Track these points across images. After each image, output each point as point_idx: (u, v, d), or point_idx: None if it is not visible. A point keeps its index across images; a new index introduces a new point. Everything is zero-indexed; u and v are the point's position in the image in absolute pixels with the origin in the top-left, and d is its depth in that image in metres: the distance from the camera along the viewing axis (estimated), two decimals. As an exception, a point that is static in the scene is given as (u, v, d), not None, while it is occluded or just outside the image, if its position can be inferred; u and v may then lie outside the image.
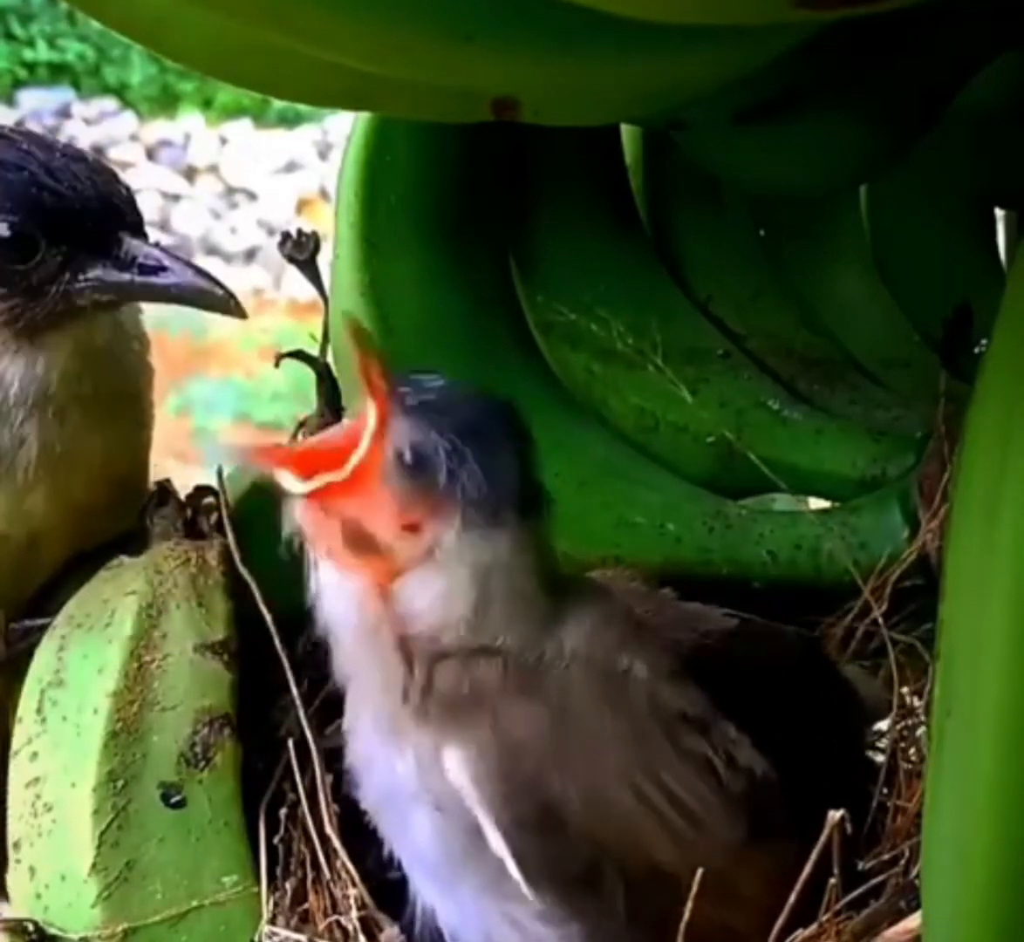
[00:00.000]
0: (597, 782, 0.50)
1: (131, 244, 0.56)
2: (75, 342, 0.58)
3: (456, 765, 0.50)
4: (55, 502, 0.59)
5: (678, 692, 0.51)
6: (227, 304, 0.56)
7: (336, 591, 0.52)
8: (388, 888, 0.55)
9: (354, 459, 0.50)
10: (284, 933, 0.54)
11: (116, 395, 0.61)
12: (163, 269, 0.56)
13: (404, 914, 0.54)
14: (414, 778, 0.51)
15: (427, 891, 0.53)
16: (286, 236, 0.67)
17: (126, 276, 0.56)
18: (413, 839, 0.52)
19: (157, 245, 0.57)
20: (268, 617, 0.58)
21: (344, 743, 0.54)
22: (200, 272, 0.56)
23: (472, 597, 0.50)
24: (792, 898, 0.48)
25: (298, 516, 0.51)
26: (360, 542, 0.50)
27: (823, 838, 0.47)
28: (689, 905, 0.48)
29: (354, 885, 0.54)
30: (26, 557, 0.61)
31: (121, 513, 0.62)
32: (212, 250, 4.06)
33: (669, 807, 0.50)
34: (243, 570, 0.59)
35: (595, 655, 0.51)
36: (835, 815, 0.47)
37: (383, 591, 0.50)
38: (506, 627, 0.51)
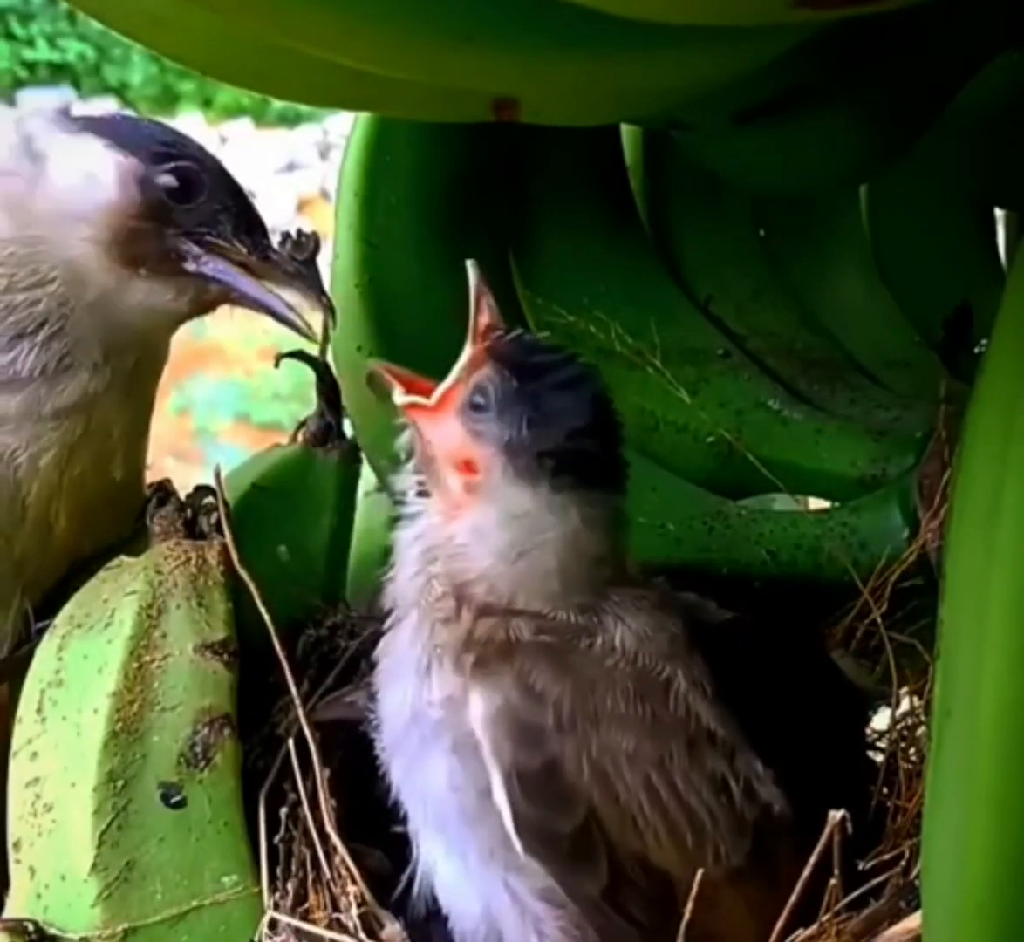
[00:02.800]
0: (610, 762, 0.50)
1: (267, 240, 0.60)
2: (151, 302, 0.60)
3: (478, 708, 0.51)
4: (61, 459, 0.60)
5: (714, 714, 0.52)
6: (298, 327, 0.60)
7: (413, 515, 0.54)
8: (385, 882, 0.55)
9: (442, 387, 0.54)
10: (285, 932, 0.54)
11: (144, 386, 0.63)
12: (284, 263, 0.60)
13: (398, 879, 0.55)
14: (438, 712, 0.52)
15: (431, 847, 0.53)
16: (286, 236, 0.67)
17: (251, 256, 0.59)
18: (426, 786, 0.52)
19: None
20: (267, 617, 0.58)
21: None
22: (310, 280, 0.60)
23: (504, 545, 0.52)
24: (793, 898, 0.48)
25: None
26: (430, 468, 0.54)
27: (823, 838, 0.47)
28: (689, 908, 0.48)
29: (354, 883, 0.54)
30: (42, 533, 0.61)
31: (119, 518, 0.63)
32: (212, 250, 4.06)
33: (676, 811, 0.50)
34: (241, 570, 0.58)
35: (641, 657, 0.52)
36: (836, 815, 0.47)
37: (449, 525, 0.53)
38: (544, 592, 0.52)
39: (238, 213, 0.60)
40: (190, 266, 0.59)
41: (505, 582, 0.52)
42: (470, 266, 0.54)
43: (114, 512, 0.62)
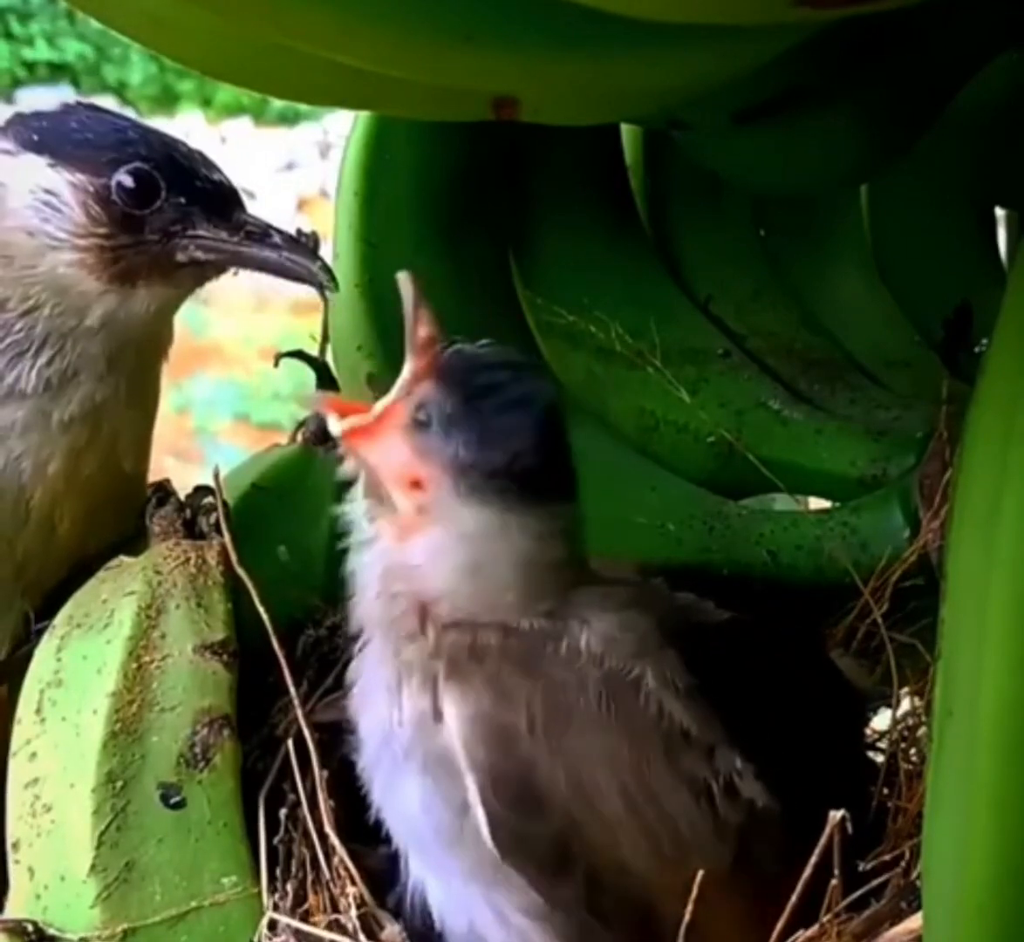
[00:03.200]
0: (585, 773, 0.50)
1: (243, 214, 0.59)
2: (158, 305, 0.59)
3: (452, 715, 0.50)
4: (69, 467, 0.60)
5: (689, 711, 0.51)
6: (319, 280, 0.59)
7: (368, 540, 0.53)
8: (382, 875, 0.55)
9: (379, 406, 0.52)
10: (284, 933, 0.54)
11: (148, 382, 0.62)
12: (268, 237, 0.58)
13: (393, 891, 0.54)
14: (409, 734, 0.51)
15: (417, 866, 0.53)
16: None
17: (234, 238, 0.58)
18: (403, 808, 0.52)
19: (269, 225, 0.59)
20: (266, 617, 0.58)
21: (345, 698, 0.55)
22: (299, 248, 0.59)
23: (460, 563, 0.51)
24: (794, 898, 0.48)
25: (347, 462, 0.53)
26: (377, 492, 0.52)
27: (823, 838, 0.47)
28: (689, 908, 0.48)
29: (353, 884, 0.54)
30: (45, 535, 0.61)
31: (123, 517, 0.62)
32: (212, 249, 4.06)
33: (653, 818, 0.50)
34: (240, 570, 0.58)
35: (608, 659, 0.51)
36: (836, 815, 0.47)
37: (402, 547, 0.52)
38: (506, 605, 0.51)
39: (205, 197, 0.58)
40: (181, 257, 0.58)
41: (466, 599, 0.51)
42: (402, 279, 0.52)
43: (118, 511, 0.62)
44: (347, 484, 0.54)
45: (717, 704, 0.52)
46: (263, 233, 0.59)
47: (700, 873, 0.48)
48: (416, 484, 0.51)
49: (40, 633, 0.59)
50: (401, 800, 0.52)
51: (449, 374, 0.51)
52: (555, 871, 0.50)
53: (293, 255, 0.58)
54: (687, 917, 0.48)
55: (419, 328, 0.52)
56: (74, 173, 0.57)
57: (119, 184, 0.57)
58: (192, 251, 0.58)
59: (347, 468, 0.53)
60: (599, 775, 0.50)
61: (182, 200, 0.58)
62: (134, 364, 0.60)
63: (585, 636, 0.51)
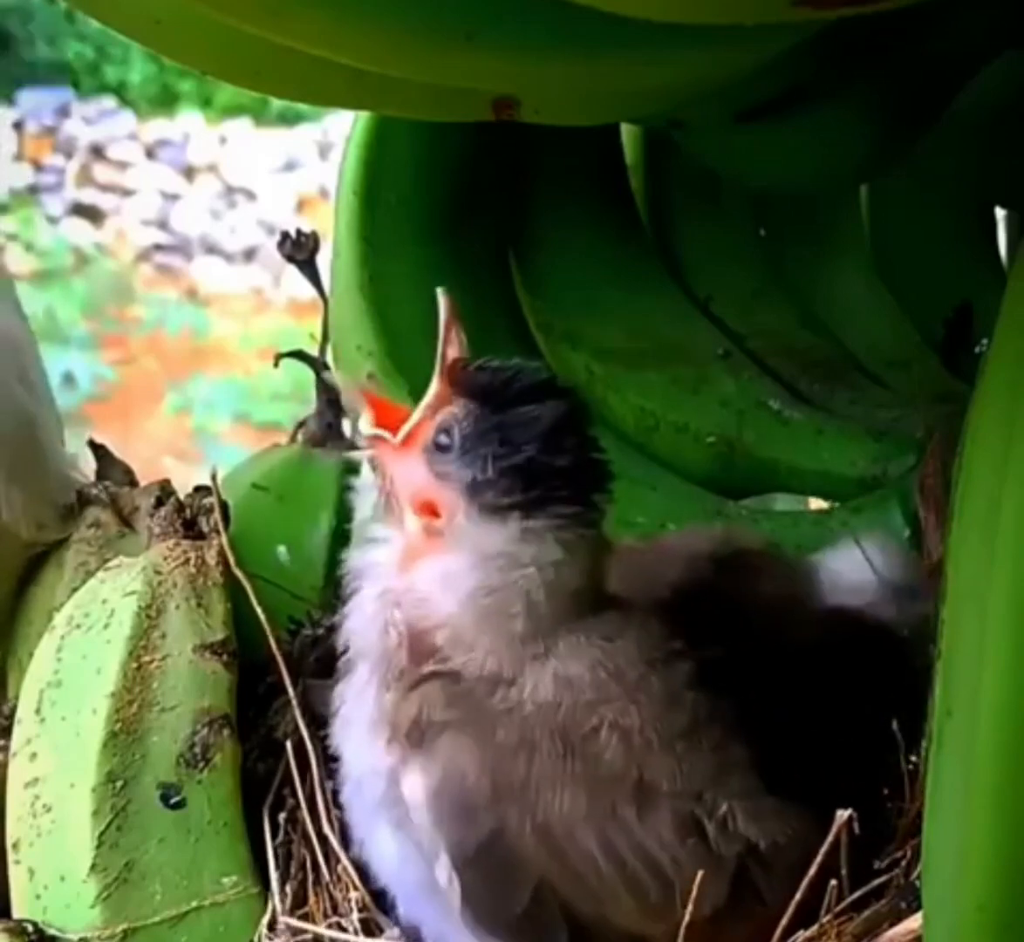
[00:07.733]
0: (557, 824, 0.48)
1: None
2: None
3: (415, 787, 0.49)
4: None
5: (663, 760, 0.49)
6: None
7: (377, 541, 0.52)
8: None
9: (406, 426, 0.51)
10: (284, 935, 0.54)
11: None
12: None
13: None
14: (382, 787, 0.50)
15: (402, 905, 0.52)
16: (285, 236, 0.67)
17: None
18: (381, 854, 0.52)
19: None
20: (264, 617, 0.58)
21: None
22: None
23: (471, 590, 0.49)
24: (797, 897, 0.48)
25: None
26: (391, 505, 0.51)
27: (830, 837, 0.47)
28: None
29: (355, 888, 0.54)
30: None
31: None
32: (212, 250, 4.06)
33: (636, 861, 0.48)
34: (238, 571, 0.58)
35: (562, 711, 0.49)
36: (842, 815, 0.47)
37: (406, 574, 0.51)
38: (503, 638, 0.49)
39: None
40: None
41: (467, 629, 0.50)
42: (440, 295, 0.52)
43: None
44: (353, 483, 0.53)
45: (730, 721, 0.49)
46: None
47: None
48: (429, 508, 0.50)
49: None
50: (378, 846, 0.51)
51: (473, 395, 0.50)
52: (531, 930, 0.48)
53: None
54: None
55: (448, 349, 0.51)
56: None
57: None
58: None
59: (370, 470, 0.53)
60: (574, 830, 0.48)
61: None
62: None
63: (538, 683, 0.49)
